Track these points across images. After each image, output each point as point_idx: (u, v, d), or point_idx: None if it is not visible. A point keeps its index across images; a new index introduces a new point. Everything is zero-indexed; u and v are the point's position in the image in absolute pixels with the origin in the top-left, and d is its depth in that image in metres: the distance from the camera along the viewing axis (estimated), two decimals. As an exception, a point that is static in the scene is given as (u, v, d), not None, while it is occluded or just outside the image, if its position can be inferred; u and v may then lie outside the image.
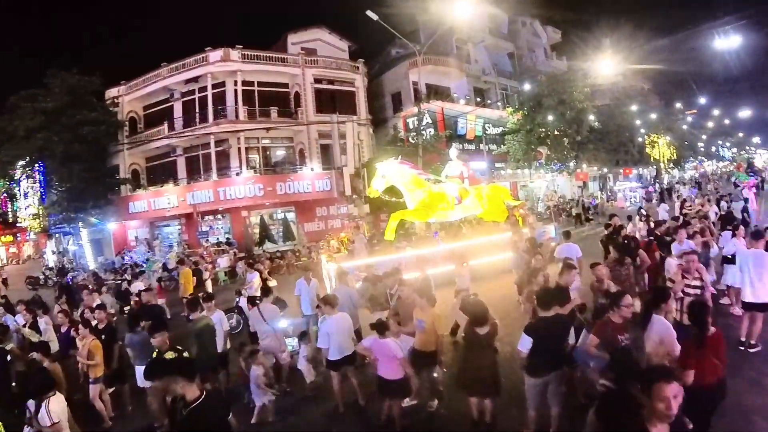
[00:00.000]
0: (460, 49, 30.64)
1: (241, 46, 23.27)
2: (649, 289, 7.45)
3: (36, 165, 23.29)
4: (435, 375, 5.59)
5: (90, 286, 14.69)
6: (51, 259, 27.37)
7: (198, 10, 71.25)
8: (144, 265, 19.35)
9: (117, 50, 60.70)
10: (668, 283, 6.13)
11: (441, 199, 10.98)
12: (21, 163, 23.53)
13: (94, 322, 7.31)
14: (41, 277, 23.23)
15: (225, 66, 22.98)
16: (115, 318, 9.64)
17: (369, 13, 16.07)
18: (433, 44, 22.83)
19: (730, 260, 7.63)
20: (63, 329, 8.11)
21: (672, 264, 6.99)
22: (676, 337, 4.18)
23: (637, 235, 12.59)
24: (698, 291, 5.83)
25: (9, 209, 25.82)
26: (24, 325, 8.94)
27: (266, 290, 7.84)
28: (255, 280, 10.36)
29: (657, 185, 41.68)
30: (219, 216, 23.86)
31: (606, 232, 11.39)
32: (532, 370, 4.38)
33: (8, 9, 64.39)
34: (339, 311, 5.84)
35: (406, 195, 10.63)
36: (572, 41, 36.63)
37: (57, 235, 27.95)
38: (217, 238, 23.14)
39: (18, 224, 29.31)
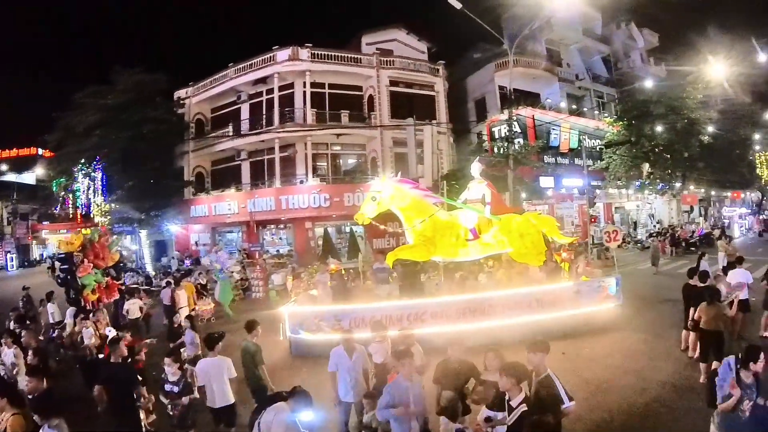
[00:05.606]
0: (550, 51, 27.43)
1: (310, 45, 21.61)
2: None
3: (95, 161, 22.77)
4: None
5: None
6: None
7: (271, 10, 72.16)
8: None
9: (190, 51, 62.30)
10: None
11: (449, 231, 8.21)
12: (82, 159, 23.09)
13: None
14: (99, 274, 22.55)
15: (293, 65, 21.41)
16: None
17: (452, 0, 13.61)
18: (519, 45, 19.88)
19: None
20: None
21: None
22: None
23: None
24: None
25: (70, 205, 25.79)
26: None
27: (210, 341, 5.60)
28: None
29: (764, 213, 36.20)
30: (281, 226, 22.22)
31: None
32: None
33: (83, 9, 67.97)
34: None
35: (405, 225, 8.10)
36: (671, 46, 32.25)
37: (122, 233, 27.65)
38: (278, 249, 21.48)
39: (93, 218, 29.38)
